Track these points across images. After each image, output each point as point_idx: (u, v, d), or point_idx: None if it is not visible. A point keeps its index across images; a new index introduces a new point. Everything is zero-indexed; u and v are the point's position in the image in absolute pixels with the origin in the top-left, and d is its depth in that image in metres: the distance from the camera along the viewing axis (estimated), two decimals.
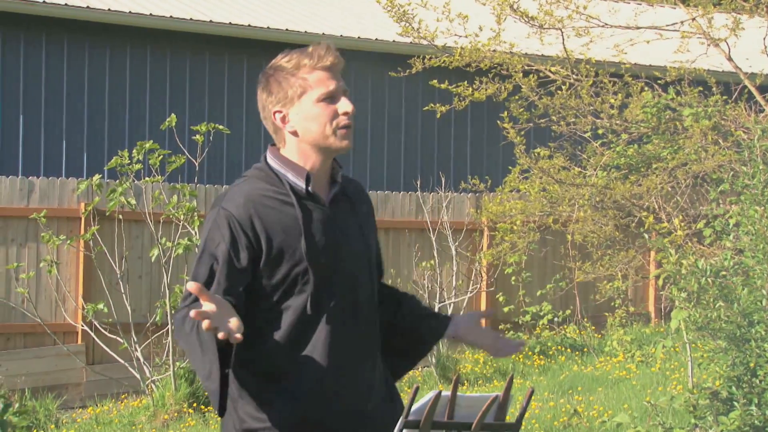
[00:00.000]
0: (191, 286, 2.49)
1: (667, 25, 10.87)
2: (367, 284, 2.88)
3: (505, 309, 11.46)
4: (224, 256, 2.74)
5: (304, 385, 2.77)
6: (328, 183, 2.88)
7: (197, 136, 9.25)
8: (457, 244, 11.10)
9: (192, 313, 2.47)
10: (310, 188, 2.82)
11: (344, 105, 2.79)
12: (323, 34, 13.17)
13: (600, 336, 11.38)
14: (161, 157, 9.01)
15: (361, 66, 13.38)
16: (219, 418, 9.24)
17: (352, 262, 2.84)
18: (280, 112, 2.82)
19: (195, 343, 2.64)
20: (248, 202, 2.77)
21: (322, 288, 2.78)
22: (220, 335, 2.49)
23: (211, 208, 2.84)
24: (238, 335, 2.51)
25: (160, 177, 9.09)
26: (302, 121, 2.80)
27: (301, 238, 2.76)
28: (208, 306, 2.49)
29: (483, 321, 3.02)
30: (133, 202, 9.10)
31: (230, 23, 12.74)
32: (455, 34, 10.73)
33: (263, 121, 2.89)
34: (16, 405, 8.00)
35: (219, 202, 2.81)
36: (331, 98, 2.79)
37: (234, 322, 2.53)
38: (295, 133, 2.82)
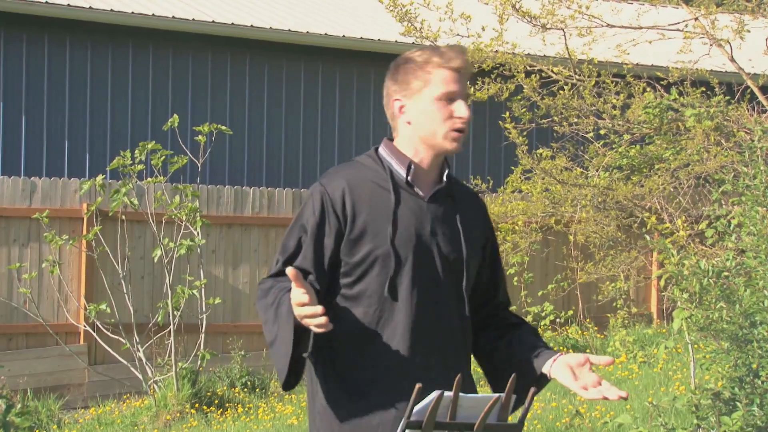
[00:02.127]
0: (290, 272, 2.57)
1: (670, 25, 10.87)
2: (452, 288, 2.85)
3: None
4: (313, 229, 2.82)
5: (382, 368, 2.78)
6: (435, 180, 2.90)
7: (200, 137, 9.26)
8: None
9: (292, 296, 2.59)
10: (409, 178, 2.85)
11: (461, 109, 2.83)
12: (326, 34, 13.18)
13: (602, 337, 11.38)
14: (163, 157, 9.02)
15: (363, 66, 13.39)
16: (221, 419, 9.22)
17: (437, 260, 2.83)
18: (400, 101, 2.87)
19: (272, 316, 2.75)
20: (344, 181, 2.83)
21: (403, 273, 2.79)
22: (316, 326, 2.59)
23: (314, 184, 2.92)
24: (325, 325, 2.59)
25: (162, 177, 9.10)
26: (418, 115, 2.85)
27: (389, 222, 2.79)
28: (301, 293, 2.58)
29: (583, 363, 2.73)
30: (136, 202, 9.10)
31: (233, 24, 12.75)
32: (458, 35, 10.73)
33: (385, 108, 2.95)
34: (19, 405, 8.01)
35: (321, 178, 2.89)
36: (450, 99, 2.83)
37: (323, 314, 2.60)
38: (409, 124, 2.87)
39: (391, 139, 2.95)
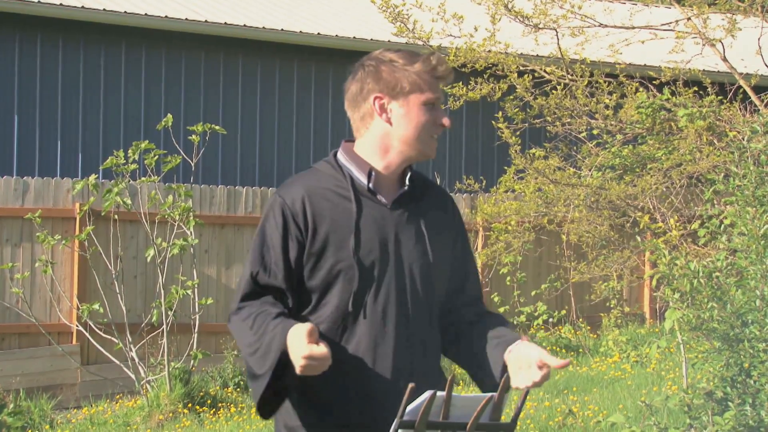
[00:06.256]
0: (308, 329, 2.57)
1: (662, 25, 10.90)
2: (423, 291, 2.79)
3: (501, 309, 11.46)
4: (278, 244, 2.75)
5: (347, 385, 2.72)
6: (398, 184, 2.84)
7: (193, 136, 9.24)
8: None
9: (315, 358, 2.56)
10: (371, 185, 2.79)
11: (445, 118, 2.83)
12: (319, 34, 13.17)
13: (595, 336, 11.39)
14: (157, 157, 9.01)
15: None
16: (214, 419, 9.18)
17: (403, 269, 2.77)
18: (381, 99, 2.80)
19: (254, 341, 2.71)
20: (304, 192, 2.76)
21: (367, 286, 2.73)
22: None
23: (272, 196, 2.84)
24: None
25: (155, 177, 9.09)
26: (402, 117, 2.80)
27: (351, 234, 2.73)
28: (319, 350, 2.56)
29: (536, 359, 2.73)
30: (129, 202, 9.09)
31: (225, 23, 12.74)
32: (450, 35, 10.75)
33: (349, 106, 2.86)
34: (11, 405, 7.99)
35: (279, 190, 2.82)
36: (432, 105, 2.80)
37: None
38: (389, 123, 2.80)
39: (351, 141, 2.88)
